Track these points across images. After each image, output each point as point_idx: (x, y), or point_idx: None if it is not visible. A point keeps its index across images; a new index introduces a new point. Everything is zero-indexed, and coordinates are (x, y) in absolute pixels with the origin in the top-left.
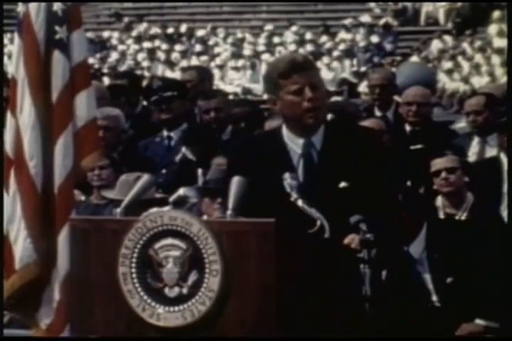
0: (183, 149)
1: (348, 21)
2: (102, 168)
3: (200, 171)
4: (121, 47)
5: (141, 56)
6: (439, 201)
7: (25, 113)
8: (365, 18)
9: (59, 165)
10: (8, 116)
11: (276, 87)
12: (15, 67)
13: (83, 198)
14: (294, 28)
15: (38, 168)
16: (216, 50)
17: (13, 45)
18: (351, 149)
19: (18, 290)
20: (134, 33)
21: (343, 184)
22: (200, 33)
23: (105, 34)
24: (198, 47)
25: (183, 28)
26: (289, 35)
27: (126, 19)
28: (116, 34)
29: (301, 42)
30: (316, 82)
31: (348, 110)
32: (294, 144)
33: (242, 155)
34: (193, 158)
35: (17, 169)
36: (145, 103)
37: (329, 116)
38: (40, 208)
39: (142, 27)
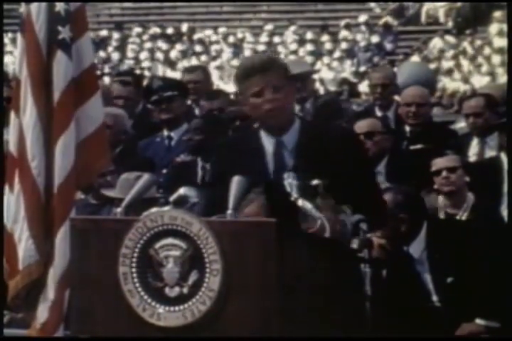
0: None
1: (346, 21)
2: (105, 174)
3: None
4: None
5: (141, 55)
6: (440, 201)
7: (28, 113)
8: (365, 18)
9: (59, 166)
10: (12, 116)
11: (240, 91)
12: (18, 67)
13: (83, 197)
14: (293, 28)
15: (40, 169)
16: (216, 50)
17: (15, 46)
18: (324, 149)
19: (22, 290)
20: (134, 33)
21: (315, 182)
22: (200, 34)
23: (104, 33)
24: (198, 48)
25: (184, 27)
26: (289, 35)
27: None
28: (116, 34)
29: (301, 41)
30: (278, 83)
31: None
32: (267, 143)
33: (223, 155)
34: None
35: (20, 169)
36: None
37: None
38: (41, 209)
39: (139, 29)
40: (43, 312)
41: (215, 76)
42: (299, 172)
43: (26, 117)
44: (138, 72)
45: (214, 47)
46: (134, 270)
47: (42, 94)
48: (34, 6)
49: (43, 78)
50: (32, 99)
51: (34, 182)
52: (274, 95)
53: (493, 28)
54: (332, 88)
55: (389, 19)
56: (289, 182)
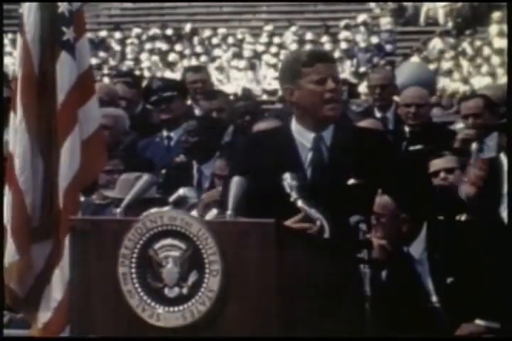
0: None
1: (345, 21)
2: (114, 172)
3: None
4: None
5: (141, 56)
6: None
7: (18, 117)
8: (363, 18)
9: (65, 167)
10: (12, 116)
11: (296, 75)
12: (17, 68)
13: (82, 198)
14: (293, 29)
15: (24, 170)
16: (216, 50)
17: (14, 46)
18: (361, 147)
19: (19, 289)
20: (133, 34)
21: (352, 181)
22: (201, 36)
23: (104, 34)
24: (198, 48)
25: (188, 27)
26: (289, 36)
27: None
28: (117, 34)
29: (301, 42)
30: (338, 76)
31: None
32: (304, 139)
33: (247, 153)
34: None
35: (9, 170)
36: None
37: None
38: (24, 221)
39: (138, 30)
40: (45, 312)
41: (214, 77)
42: (338, 169)
43: (17, 121)
44: (137, 72)
45: (215, 49)
46: (133, 270)
47: (30, 95)
48: (25, 6)
49: (32, 79)
50: (20, 103)
51: (17, 183)
52: (335, 86)
53: (493, 28)
54: None
55: (388, 19)
56: (289, 182)
